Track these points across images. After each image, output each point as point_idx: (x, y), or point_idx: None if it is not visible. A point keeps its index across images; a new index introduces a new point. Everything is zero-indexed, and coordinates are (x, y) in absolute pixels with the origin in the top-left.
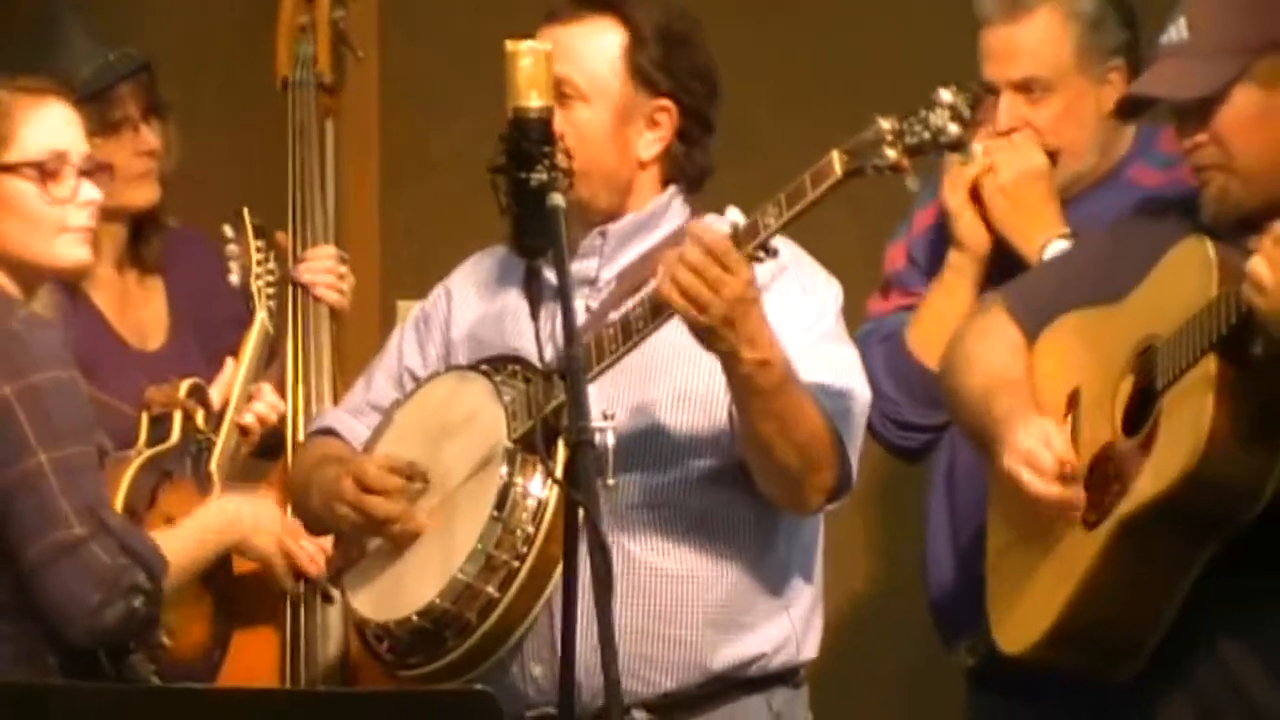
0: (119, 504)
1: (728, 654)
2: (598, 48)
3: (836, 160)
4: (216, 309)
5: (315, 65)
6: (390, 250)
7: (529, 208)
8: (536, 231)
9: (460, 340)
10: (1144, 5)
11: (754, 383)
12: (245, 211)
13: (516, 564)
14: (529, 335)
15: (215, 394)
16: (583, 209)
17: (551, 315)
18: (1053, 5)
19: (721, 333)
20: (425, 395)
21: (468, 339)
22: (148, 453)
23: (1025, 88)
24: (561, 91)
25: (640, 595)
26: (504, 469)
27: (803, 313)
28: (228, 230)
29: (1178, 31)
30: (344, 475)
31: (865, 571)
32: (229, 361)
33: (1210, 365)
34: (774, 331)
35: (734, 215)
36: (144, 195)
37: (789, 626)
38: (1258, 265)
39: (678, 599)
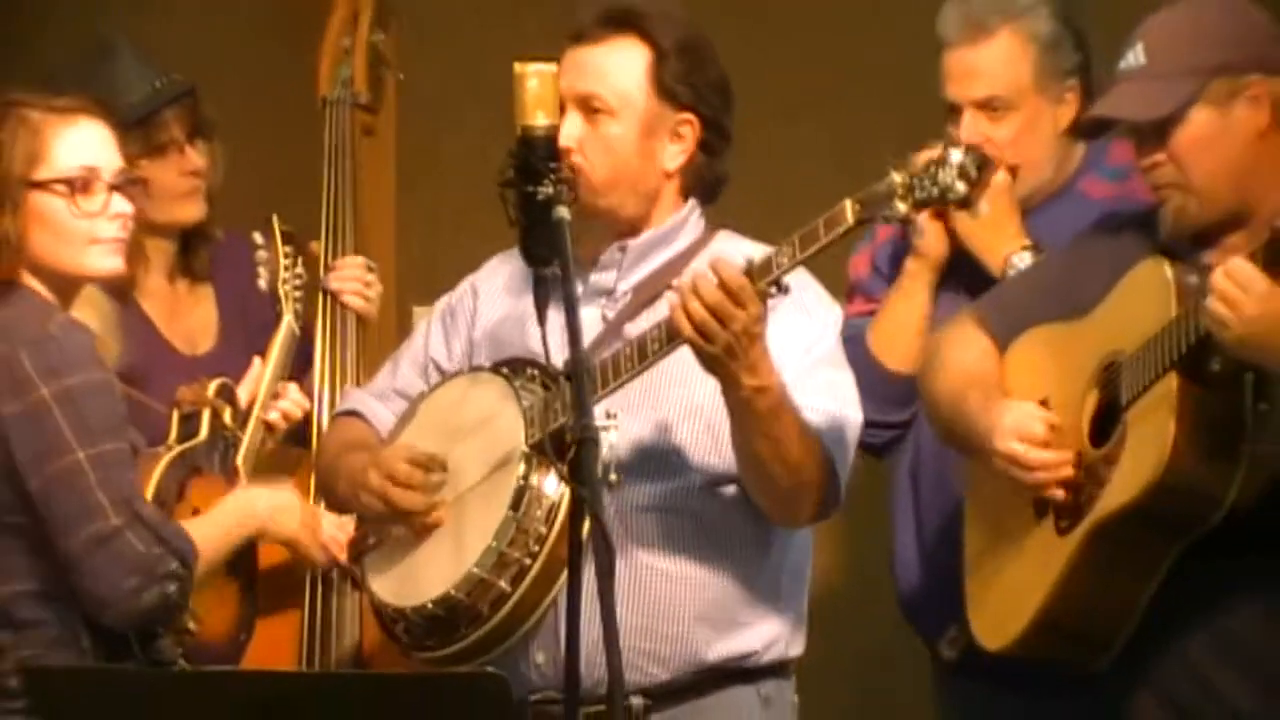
0: (149, 497)
1: (720, 649)
2: (624, 65)
3: (849, 209)
4: (264, 311)
5: (353, 85)
6: (405, 258)
7: (536, 220)
8: (543, 242)
9: (483, 338)
10: (1092, 31)
11: (751, 406)
12: (275, 219)
13: (528, 561)
14: (550, 339)
15: (243, 392)
16: (611, 217)
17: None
18: (1013, 29)
19: (724, 360)
20: (448, 392)
21: (489, 338)
22: (177, 449)
23: (987, 106)
24: (592, 107)
25: (640, 594)
26: (521, 470)
27: (803, 335)
28: (257, 237)
29: (1135, 57)
30: (370, 466)
31: (839, 563)
32: (256, 361)
33: (1172, 382)
34: (773, 358)
35: (748, 249)
36: (190, 211)
37: (779, 627)
38: (1217, 306)
39: (675, 598)
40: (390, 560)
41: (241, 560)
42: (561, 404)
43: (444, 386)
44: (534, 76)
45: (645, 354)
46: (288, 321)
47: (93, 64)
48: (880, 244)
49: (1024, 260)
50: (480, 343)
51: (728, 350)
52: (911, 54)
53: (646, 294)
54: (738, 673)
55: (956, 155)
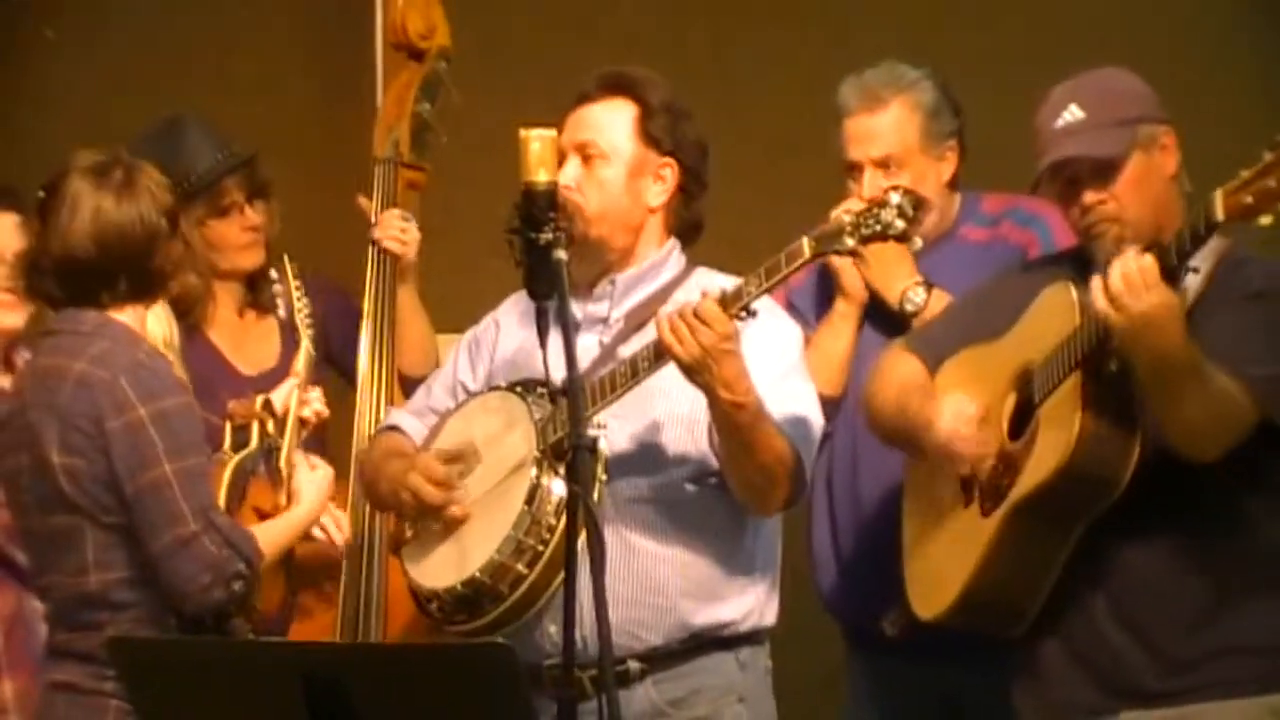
0: (222, 497)
1: (704, 619)
2: (616, 119)
3: (806, 245)
4: (329, 331)
5: (399, 148)
6: (428, 294)
7: (537, 261)
8: (543, 280)
9: (502, 364)
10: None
11: (730, 419)
12: (285, 258)
13: (541, 548)
14: (551, 362)
15: (277, 401)
16: (602, 246)
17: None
18: (902, 99)
19: (701, 370)
20: (473, 408)
21: (507, 363)
22: (238, 456)
23: (883, 164)
24: (587, 153)
25: (636, 573)
26: (533, 472)
27: (770, 351)
28: (273, 273)
29: (1071, 114)
30: (408, 469)
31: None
32: (290, 378)
33: (1076, 380)
34: (750, 372)
35: (723, 282)
36: (251, 260)
37: (754, 599)
38: (1116, 284)
39: (665, 576)
40: (425, 549)
41: (289, 555)
42: (565, 415)
43: (469, 403)
44: (536, 140)
45: (636, 370)
46: (305, 346)
47: (164, 138)
48: (794, 287)
49: (918, 294)
50: (500, 367)
51: (703, 361)
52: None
53: (636, 321)
54: (719, 640)
55: (895, 198)
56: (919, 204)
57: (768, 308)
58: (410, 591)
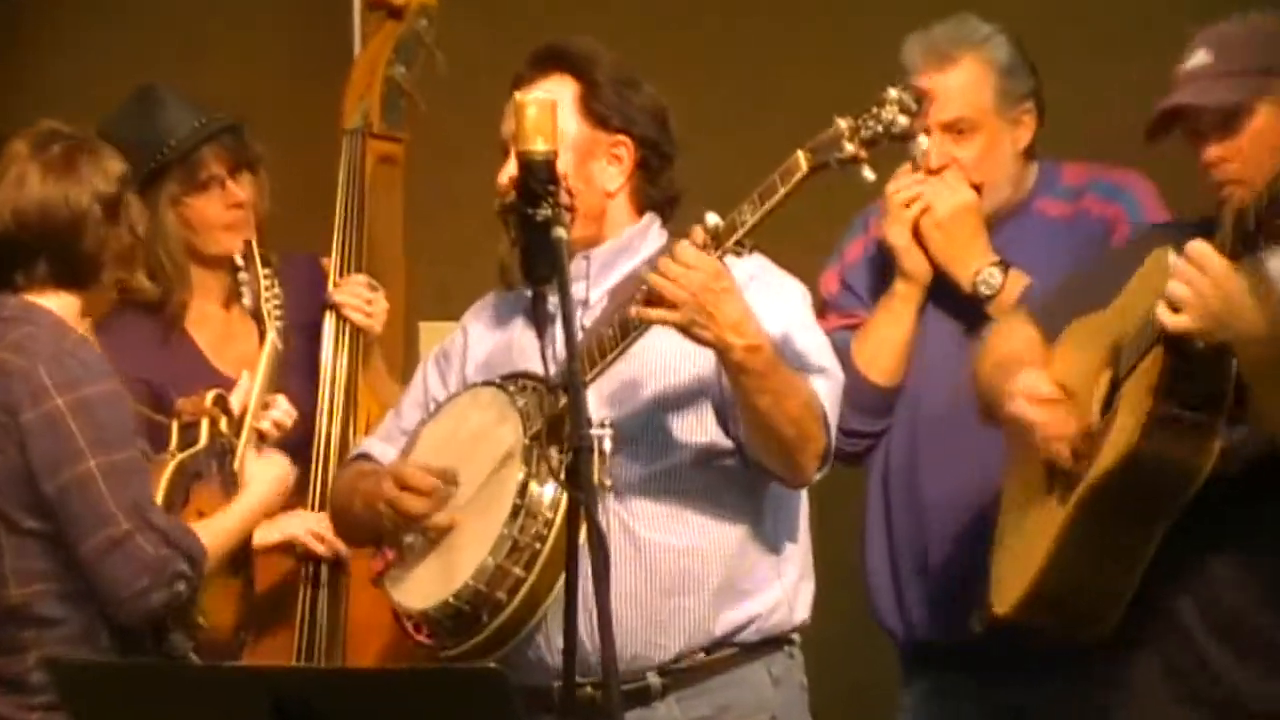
0: (159, 502)
1: (727, 618)
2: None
3: (802, 158)
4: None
5: (368, 118)
6: (414, 279)
7: (535, 240)
8: (542, 261)
9: (476, 371)
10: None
11: (747, 366)
12: (253, 242)
13: (538, 546)
14: (534, 358)
15: (235, 401)
16: None
17: (554, 336)
18: (974, 55)
19: (701, 321)
20: (449, 411)
21: (482, 368)
22: (181, 456)
23: (953, 128)
24: None
25: (646, 570)
26: (522, 464)
27: (775, 310)
28: (239, 259)
29: (1199, 59)
30: (384, 478)
31: (841, 559)
32: (245, 373)
33: (1157, 357)
34: (755, 317)
35: (713, 218)
36: (237, 242)
37: (780, 592)
38: (1175, 287)
39: (680, 571)
40: (409, 569)
41: (242, 565)
42: (553, 398)
43: (445, 407)
44: (533, 105)
45: (628, 330)
46: (271, 338)
47: (138, 109)
48: (849, 264)
49: (993, 275)
50: (474, 374)
51: (698, 309)
52: (840, 86)
53: (619, 299)
54: (747, 647)
55: (894, 92)
56: (920, 96)
57: (763, 266)
58: (397, 618)
